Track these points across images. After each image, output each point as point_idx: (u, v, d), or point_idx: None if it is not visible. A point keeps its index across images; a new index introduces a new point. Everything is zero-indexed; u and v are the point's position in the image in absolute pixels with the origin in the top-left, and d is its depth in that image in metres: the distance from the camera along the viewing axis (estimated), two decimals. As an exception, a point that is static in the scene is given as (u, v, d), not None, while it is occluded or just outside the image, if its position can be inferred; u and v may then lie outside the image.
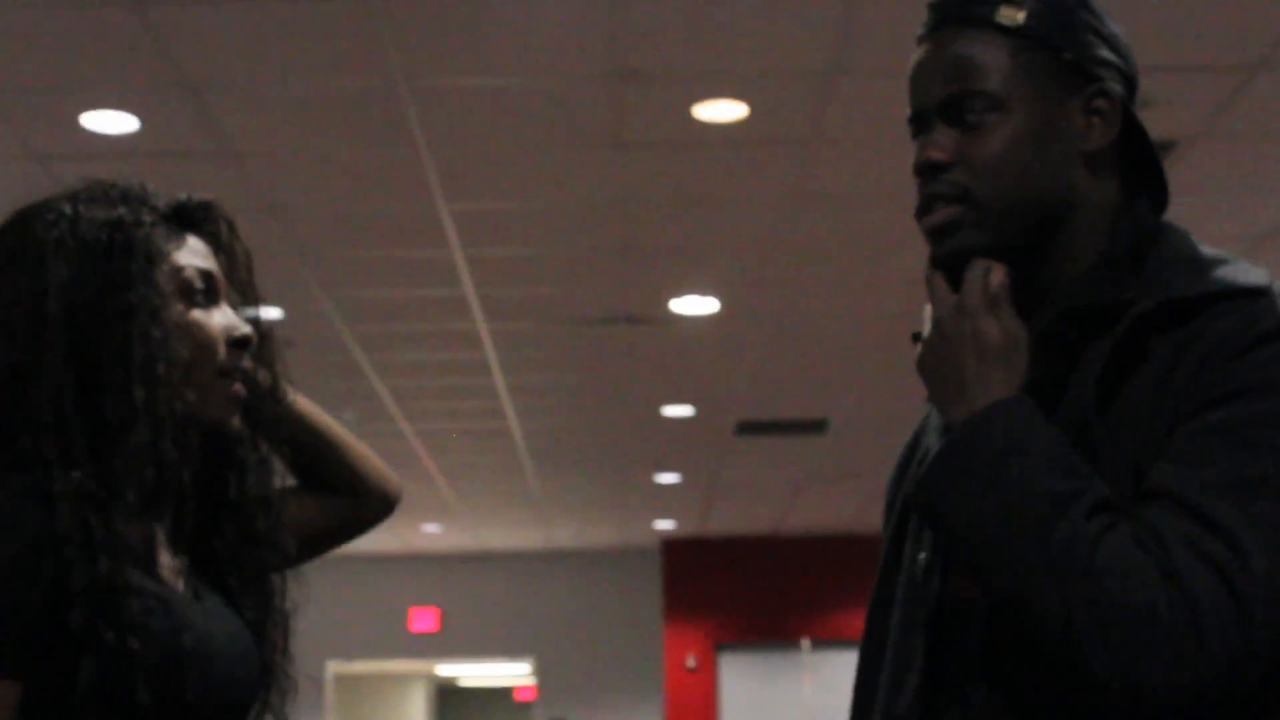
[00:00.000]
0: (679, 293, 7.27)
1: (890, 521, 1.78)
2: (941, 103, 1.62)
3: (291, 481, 2.03)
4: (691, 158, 5.66)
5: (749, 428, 10.02)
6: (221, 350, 1.78)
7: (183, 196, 1.85)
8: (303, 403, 2.02)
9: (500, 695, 23.08)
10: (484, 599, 15.29)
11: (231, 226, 1.89)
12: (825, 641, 14.98)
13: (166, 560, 1.75)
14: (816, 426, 10.00)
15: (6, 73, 4.86)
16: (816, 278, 7.04)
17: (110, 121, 5.19)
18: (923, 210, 1.63)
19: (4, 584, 1.57)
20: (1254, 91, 5.09)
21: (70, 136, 5.29)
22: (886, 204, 6.02)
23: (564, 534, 14.46)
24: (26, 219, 1.77)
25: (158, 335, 1.70)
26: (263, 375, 1.88)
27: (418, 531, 14.01)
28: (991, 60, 1.60)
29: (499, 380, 8.74)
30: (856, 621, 14.78)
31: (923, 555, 1.64)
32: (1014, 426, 1.49)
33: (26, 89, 4.98)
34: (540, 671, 15.58)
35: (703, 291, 7.26)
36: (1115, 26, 1.65)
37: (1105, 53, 1.62)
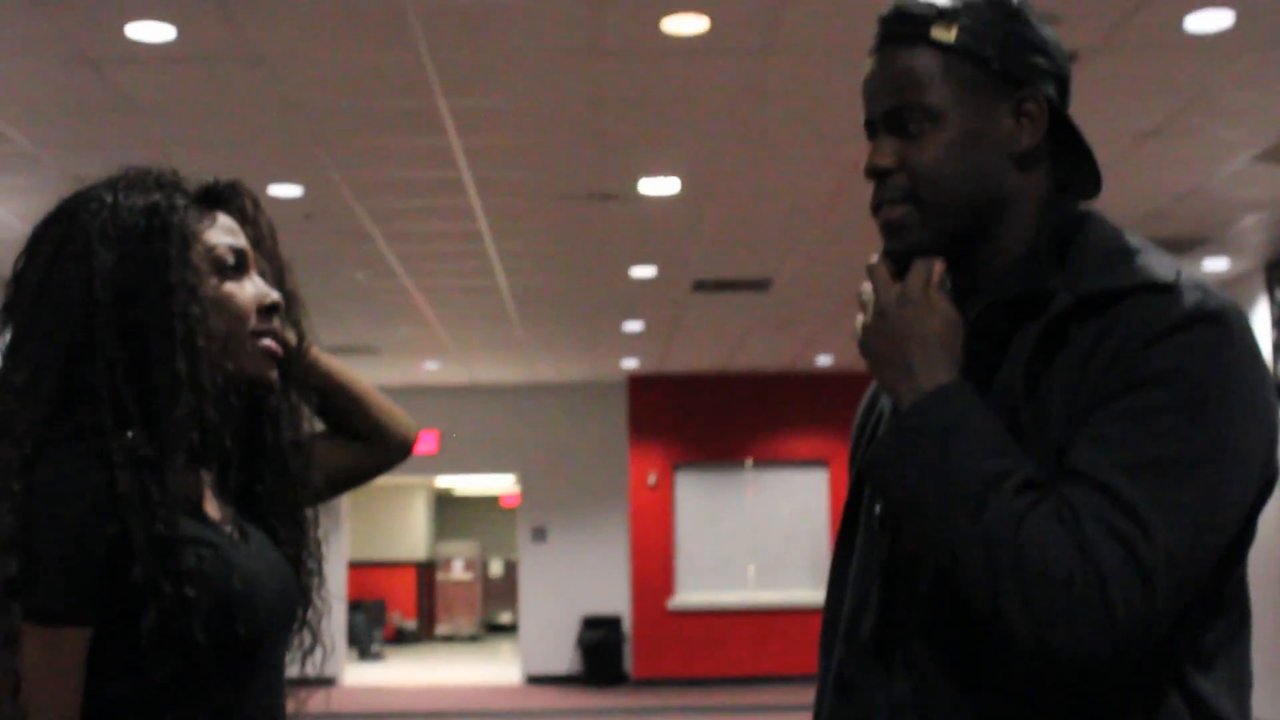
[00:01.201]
0: (646, 174, 7.21)
1: (853, 468, 1.75)
2: (886, 115, 1.57)
3: (321, 427, 1.99)
4: (659, 63, 5.58)
5: (704, 285, 10.01)
6: (253, 317, 1.74)
7: (210, 179, 1.79)
8: (329, 360, 1.98)
9: (489, 502, 23.29)
10: (476, 424, 15.36)
11: (255, 202, 1.83)
12: (765, 461, 15.13)
13: (214, 507, 1.72)
14: (762, 285, 10.00)
15: (60, -12, 4.76)
16: (764, 162, 6.99)
17: (151, 31, 5.07)
18: (875, 208, 1.60)
19: (73, 541, 1.55)
20: (1145, 12, 5.04)
21: (117, 44, 5.17)
22: (827, 104, 5.96)
23: (545, 370, 14.48)
24: (72, 209, 1.71)
25: (196, 311, 1.66)
26: (291, 334, 1.84)
27: (419, 368, 14.03)
28: (927, 75, 1.55)
29: (490, 246, 8.68)
30: (792, 445, 14.96)
31: (879, 508, 1.61)
32: (955, 410, 1.47)
33: (80, 4, 4.86)
34: (524, 484, 15.71)
35: (666, 174, 7.21)
36: (1046, 31, 1.59)
37: (1034, 58, 1.56)
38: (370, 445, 2.03)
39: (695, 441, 15.06)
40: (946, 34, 1.55)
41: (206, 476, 1.72)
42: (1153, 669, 1.42)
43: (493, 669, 17.10)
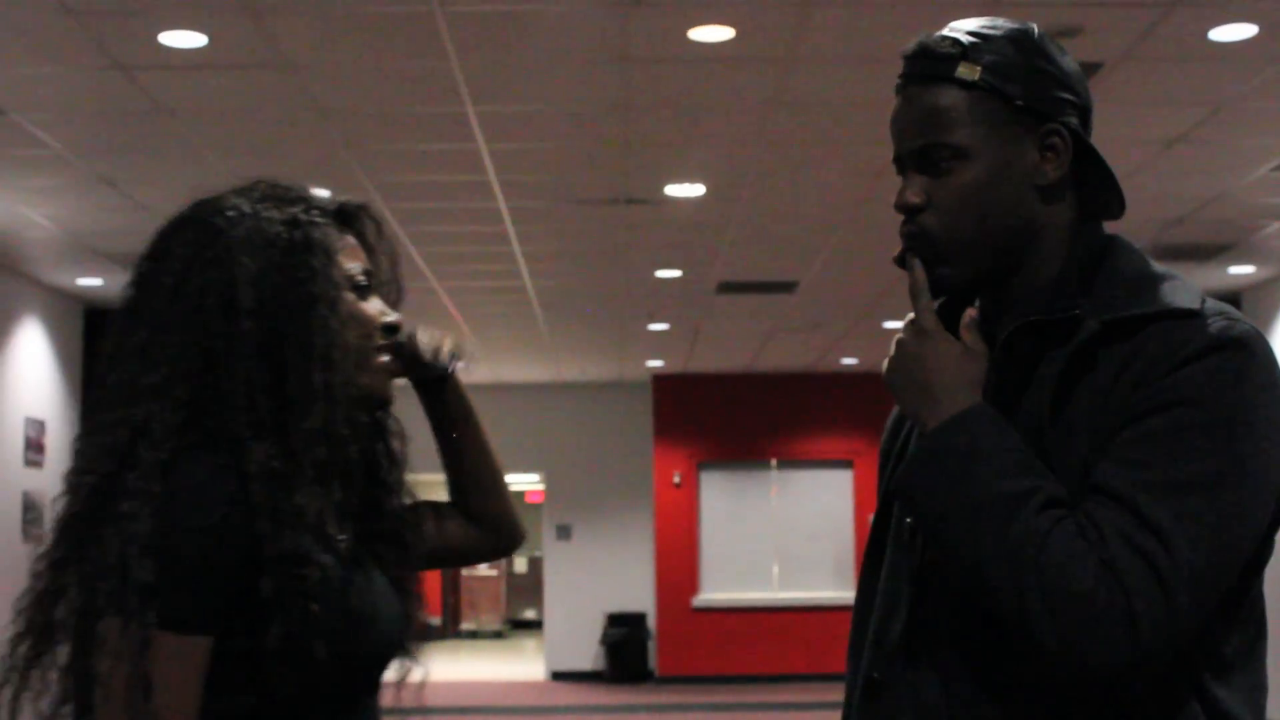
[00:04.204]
0: (672, 179, 7.24)
1: (883, 480, 1.78)
2: (914, 153, 1.59)
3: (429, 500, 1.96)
4: (685, 71, 5.61)
5: (728, 287, 10.02)
6: (377, 334, 1.74)
7: (342, 198, 1.78)
8: (484, 432, 1.97)
9: (513, 498, 23.22)
10: (501, 423, 15.07)
11: (379, 227, 1.81)
12: (789, 461, 15.13)
13: (335, 531, 1.68)
14: (788, 287, 10.01)
15: (97, -1, 4.82)
16: (787, 168, 7.01)
17: (183, 38, 5.12)
18: (904, 244, 1.62)
19: (204, 551, 1.54)
20: (1169, 23, 5.03)
21: (149, 50, 5.22)
22: (848, 111, 5.99)
23: (570, 370, 14.51)
24: (204, 215, 1.68)
25: (335, 324, 1.65)
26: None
27: (446, 367, 14.00)
28: (954, 113, 1.57)
29: (516, 249, 8.72)
30: (816, 444, 14.96)
31: (909, 520, 1.64)
32: (977, 432, 1.49)
33: (114, 12, 4.93)
34: (548, 483, 15.73)
35: (692, 179, 7.24)
36: (1069, 64, 1.61)
37: (1057, 91, 1.58)
38: (485, 532, 2.01)
39: (720, 441, 15.06)
40: (971, 72, 1.57)
41: (331, 502, 1.68)
42: (1173, 678, 1.46)
43: (517, 665, 17.15)
